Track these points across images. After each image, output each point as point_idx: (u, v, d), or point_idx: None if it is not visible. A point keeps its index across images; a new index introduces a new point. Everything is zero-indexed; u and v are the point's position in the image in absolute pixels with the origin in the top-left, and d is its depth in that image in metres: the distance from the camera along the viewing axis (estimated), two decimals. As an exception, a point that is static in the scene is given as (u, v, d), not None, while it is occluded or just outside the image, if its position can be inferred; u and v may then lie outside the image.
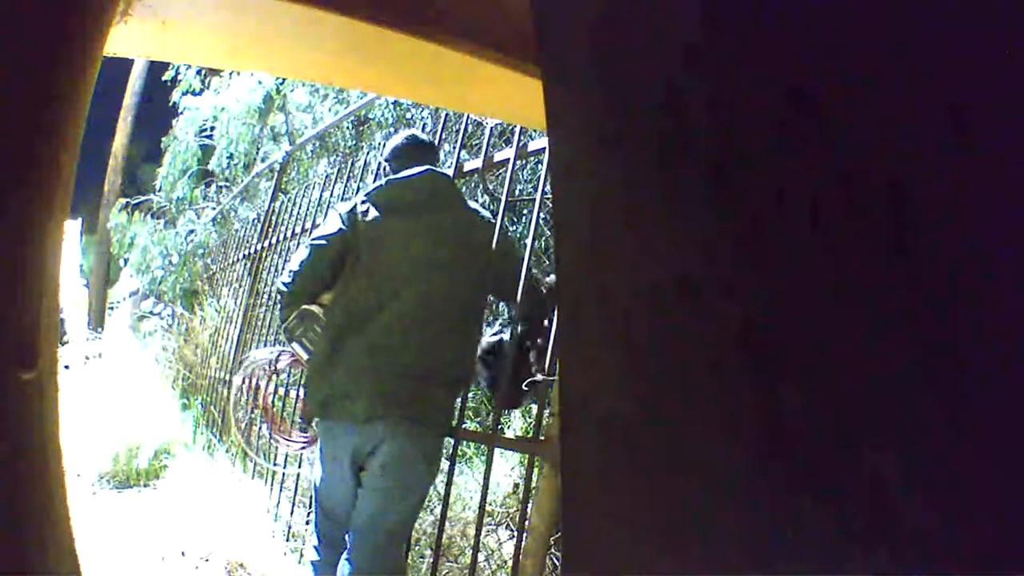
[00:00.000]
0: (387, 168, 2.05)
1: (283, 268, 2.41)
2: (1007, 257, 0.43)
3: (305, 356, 1.88)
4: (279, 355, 2.16)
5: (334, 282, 1.90)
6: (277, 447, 2.31)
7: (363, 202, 1.91)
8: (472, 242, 1.91)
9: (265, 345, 3.23)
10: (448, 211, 1.92)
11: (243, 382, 2.20)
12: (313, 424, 2.24)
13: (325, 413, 1.84)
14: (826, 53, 0.53)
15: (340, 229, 1.88)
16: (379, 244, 1.85)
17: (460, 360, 1.91)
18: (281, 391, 2.76)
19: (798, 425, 0.55)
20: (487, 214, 2.02)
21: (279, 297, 1.92)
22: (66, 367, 6.15)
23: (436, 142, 2.34)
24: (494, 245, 1.92)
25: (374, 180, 2.72)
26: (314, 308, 1.88)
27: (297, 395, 2.36)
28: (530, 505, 1.87)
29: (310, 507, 2.20)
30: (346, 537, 1.86)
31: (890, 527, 0.48)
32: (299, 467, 2.80)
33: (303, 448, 2.21)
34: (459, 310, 1.89)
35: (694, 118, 0.63)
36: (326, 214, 3.21)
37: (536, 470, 1.86)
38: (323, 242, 1.89)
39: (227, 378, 4.02)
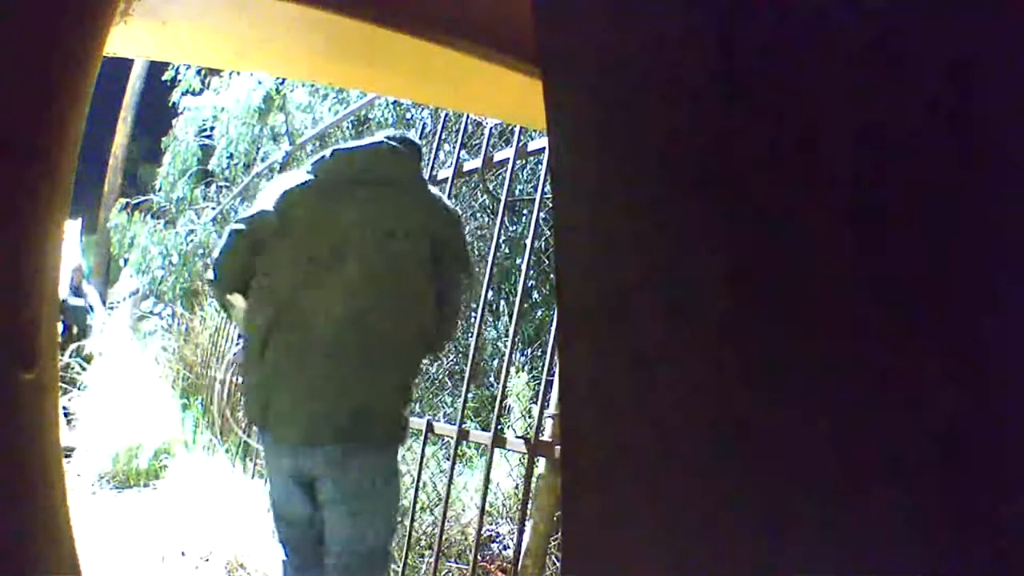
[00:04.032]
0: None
1: None
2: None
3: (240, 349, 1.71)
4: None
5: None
6: None
7: (301, 181, 1.59)
8: (421, 229, 1.60)
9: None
10: (404, 194, 1.61)
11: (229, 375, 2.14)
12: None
13: (264, 422, 1.61)
14: (816, 54, 0.53)
15: (261, 211, 1.58)
16: (313, 228, 1.55)
17: (408, 355, 1.64)
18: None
19: (799, 427, 0.55)
20: (447, 202, 1.72)
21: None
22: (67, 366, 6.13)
23: (437, 142, 2.34)
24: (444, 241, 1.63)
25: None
26: (232, 299, 1.62)
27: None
28: (530, 505, 1.87)
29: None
30: (309, 542, 1.68)
31: (890, 527, 0.48)
32: None
33: None
34: (405, 297, 1.59)
35: (696, 117, 0.63)
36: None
37: (536, 470, 1.86)
38: (240, 226, 1.59)
39: (226, 378, 4.02)
